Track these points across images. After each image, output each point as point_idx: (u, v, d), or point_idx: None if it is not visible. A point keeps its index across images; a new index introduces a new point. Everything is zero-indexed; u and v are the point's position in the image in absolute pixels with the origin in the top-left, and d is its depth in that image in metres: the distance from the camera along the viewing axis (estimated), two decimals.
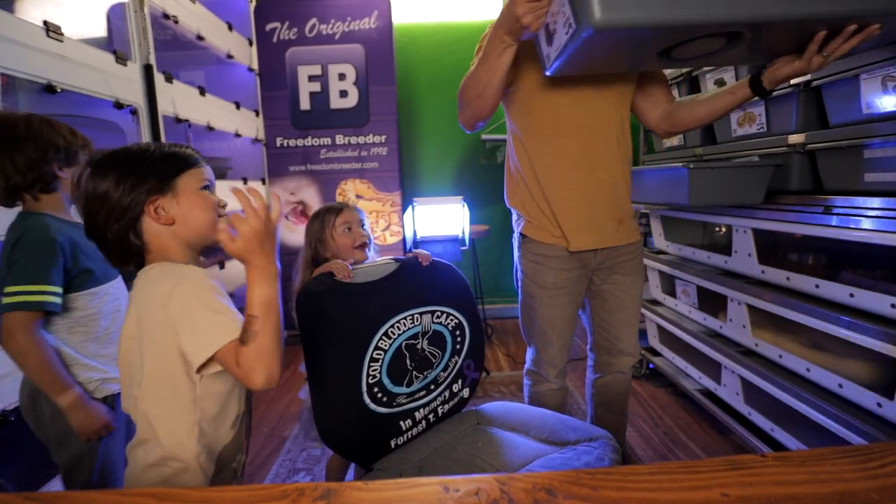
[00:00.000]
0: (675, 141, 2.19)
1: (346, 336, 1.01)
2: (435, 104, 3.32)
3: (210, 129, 2.56)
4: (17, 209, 1.01)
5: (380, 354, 1.04)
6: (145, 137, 1.96)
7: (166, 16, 2.18)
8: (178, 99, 2.23)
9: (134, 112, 1.92)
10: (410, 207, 2.68)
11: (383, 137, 2.99)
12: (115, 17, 1.92)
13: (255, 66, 3.08)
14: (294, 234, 3.11)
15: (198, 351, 0.66)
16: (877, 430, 1.13)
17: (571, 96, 1.19)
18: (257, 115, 3.15)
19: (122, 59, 1.83)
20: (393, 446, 1.09)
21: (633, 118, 1.32)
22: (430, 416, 1.17)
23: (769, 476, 0.45)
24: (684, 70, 1.93)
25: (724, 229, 1.82)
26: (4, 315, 0.91)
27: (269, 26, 2.91)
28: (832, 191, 1.36)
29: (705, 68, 1.81)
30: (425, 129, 3.39)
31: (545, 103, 1.21)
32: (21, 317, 0.91)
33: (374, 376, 1.03)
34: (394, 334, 1.06)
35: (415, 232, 2.68)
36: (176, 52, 2.46)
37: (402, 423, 1.10)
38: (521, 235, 1.32)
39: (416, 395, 1.13)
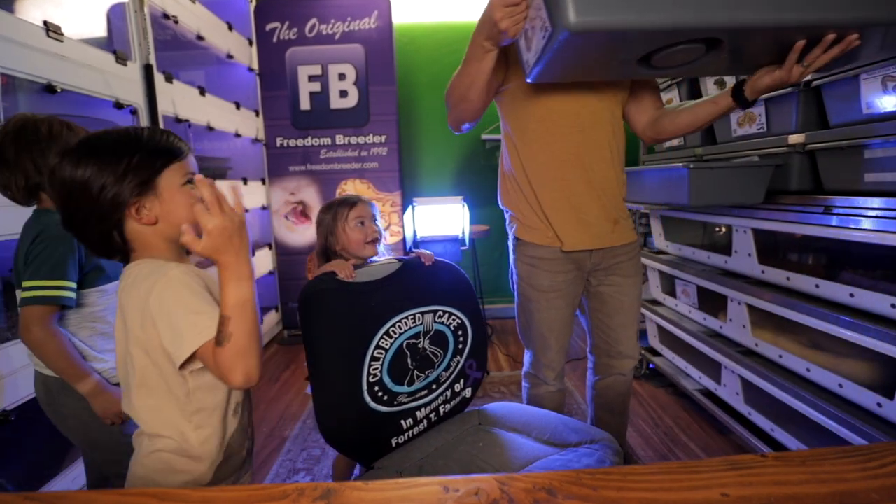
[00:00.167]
0: (676, 141, 2.19)
1: (347, 335, 1.01)
2: (435, 104, 3.32)
3: (210, 129, 2.56)
4: (24, 208, 1.03)
5: (381, 353, 1.04)
6: None
7: (166, 16, 2.18)
8: (178, 99, 2.23)
9: (134, 112, 1.92)
10: (410, 207, 2.68)
11: (383, 137, 2.99)
12: (115, 17, 1.92)
13: (255, 66, 3.08)
14: (294, 234, 3.11)
15: (177, 351, 0.66)
16: (877, 430, 1.13)
17: (564, 96, 1.18)
18: (257, 115, 3.15)
19: (122, 59, 1.83)
20: (394, 445, 1.09)
21: None
22: (432, 416, 1.17)
23: (769, 476, 0.45)
24: None
25: (724, 229, 1.82)
26: (22, 308, 0.95)
27: (269, 26, 2.91)
28: (832, 191, 1.36)
29: None
30: (425, 129, 3.39)
31: (537, 103, 1.20)
32: (38, 310, 0.95)
33: (375, 375, 1.03)
34: (395, 333, 1.07)
35: (415, 232, 2.68)
36: (176, 52, 2.46)
37: (402, 422, 1.10)
38: (515, 238, 1.32)
39: (418, 395, 1.13)
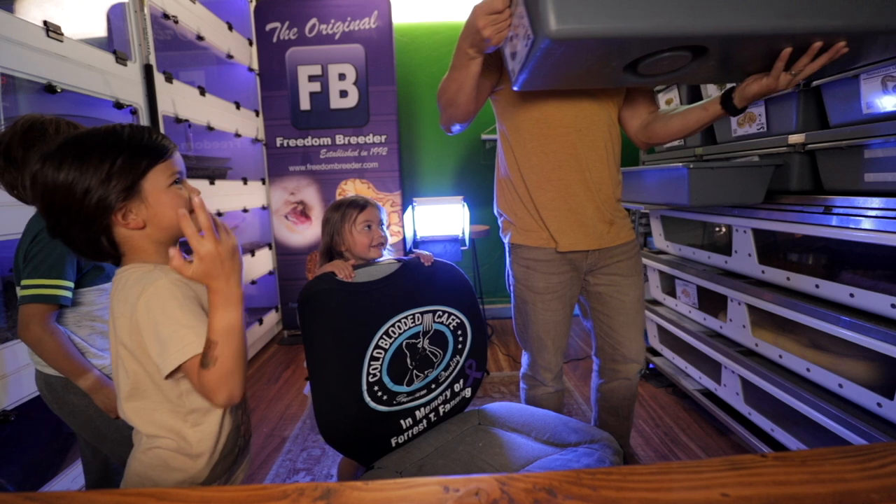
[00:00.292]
0: (676, 141, 2.18)
1: (346, 335, 1.01)
2: (435, 104, 3.30)
3: (210, 129, 2.56)
4: (25, 208, 1.03)
5: (380, 353, 1.04)
6: None
7: (166, 16, 2.18)
8: (178, 99, 2.23)
9: (134, 112, 1.92)
10: (410, 207, 2.68)
11: (383, 137, 2.99)
12: (115, 17, 1.92)
13: (255, 66, 3.08)
14: (294, 234, 3.11)
15: (162, 363, 0.65)
16: (877, 430, 1.13)
17: (559, 96, 1.18)
18: (257, 115, 3.15)
19: (122, 59, 1.83)
20: (394, 445, 1.09)
21: None
22: (432, 416, 1.17)
23: (769, 476, 0.45)
24: None
25: (724, 229, 1.82)
26: (21, 307, 0.96)
27: (269, 26, 2.91)
28: (832, 191, 1.36)
29: None
30: (425, 129, 3.39)
31: (533, 103, 1.20)
32: (37, 309, 0.95)
33: (375, 375, 1.03)
34: (394, 333, 1.07)
35: (415, 232, 2.68)
36: (176, 52, 2.46)
37: (402, 421, 1.10)
38: (510, 244, 1.32)
39: (417, 394, 1.13)
